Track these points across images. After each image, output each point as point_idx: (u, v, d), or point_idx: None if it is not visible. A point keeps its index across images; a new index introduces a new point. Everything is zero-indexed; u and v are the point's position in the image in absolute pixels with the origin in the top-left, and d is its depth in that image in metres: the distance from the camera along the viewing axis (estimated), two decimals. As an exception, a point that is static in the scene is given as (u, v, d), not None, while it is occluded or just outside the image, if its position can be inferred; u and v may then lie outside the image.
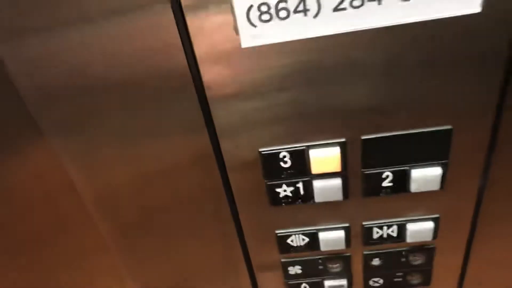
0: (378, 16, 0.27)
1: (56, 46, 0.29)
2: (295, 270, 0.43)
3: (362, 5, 0.26)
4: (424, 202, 0.37)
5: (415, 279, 0.44)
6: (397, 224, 0.39)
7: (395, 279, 0.43)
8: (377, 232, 0.39)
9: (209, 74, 0.30)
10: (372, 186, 0.35)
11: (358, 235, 0.40)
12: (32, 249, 0.48)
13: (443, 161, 0.34)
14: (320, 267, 0.42)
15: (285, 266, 0.42)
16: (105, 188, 0.38)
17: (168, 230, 0.42)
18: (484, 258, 0.42)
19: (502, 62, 0.29)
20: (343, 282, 0.44)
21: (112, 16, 0.28)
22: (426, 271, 0.43)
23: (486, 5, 0.26)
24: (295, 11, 0.26)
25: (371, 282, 0.44)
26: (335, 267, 0.42)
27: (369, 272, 0.43)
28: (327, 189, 0.35)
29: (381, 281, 0.44)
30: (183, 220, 0.40)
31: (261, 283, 0.44)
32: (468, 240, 0.40)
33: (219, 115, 0.31)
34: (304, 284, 0.44)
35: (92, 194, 0.39)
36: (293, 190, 0.36)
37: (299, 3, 0.26)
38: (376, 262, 0.42)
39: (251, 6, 0.26)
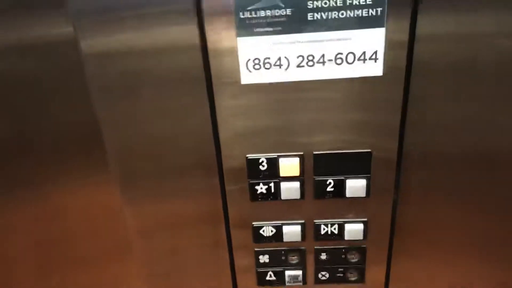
0: (322, 72, 0.46)
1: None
2: (264, 259, 0.58)
3: (313, 65, 0.45)
4: (357, 207, 0.54)
5: (352, 276, 0.59)
6: (338, 224, 0.55)
7: (338, 274, 0.58)
8: (324, 229, 0.55)
9: (220, 98, 0.48)
10: (320, 190, 0.52)
11: (311, 231, 0.55)
12: (66, 272, 0.63)
13: (367, 175, 0.51)
14: (283, 257, 0.57)
15: (257, 254, 0.57)
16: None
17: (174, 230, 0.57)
18: (404, 259, 0.58)
19: (398, 106, 0.47)
20: (299, 272, 0.58)
21: (157, 83, 0.47)
22: (360, 269, 0.58)
23: (386, 72, 0.46)
24: (274, 65, 0.45)
25: (319, 275, 0.59)
26: (294, 258, 0.57)
27: (319, 265, 0.58)
28: (289, 189, 0.52)
29: (327, 275, 0.58)
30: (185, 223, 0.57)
31: (238, 269, 0.59)
32: (390, 242, 0.56)
33: (223, 127, 0.49)
34: (270, 272, 0.58)
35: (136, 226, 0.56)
36: (267, 189, 0.52)
37: (277, 61, 0.45)
38: (323, 256, 0.57)
39: (249, 59, 0.45)
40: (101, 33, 0.46)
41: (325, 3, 0.42)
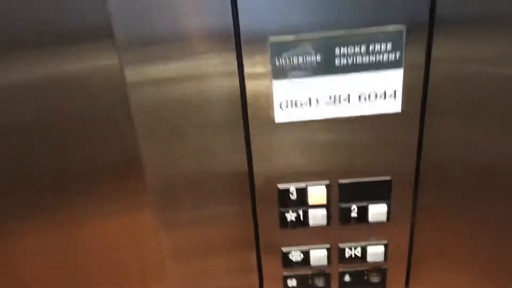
0: (347, 110, 0.51)
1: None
2: (292, 283, 0.62)
3: (340, 102, 0.51)
4: (378, 230, 0.58)
5: (374, 296, 0.63)
6: (361, 247, 0.59)
7: (360, 295, 0.63)
8: (348, 252, 0.59)
9: (255, 133, 0.53)
10: (345, 216, 0.57)
11: (336, 254, 0.60)
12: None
13: (387, 201, 0.56)
14: (310, 281, 0.61)
15: (285, 279, 0.61)
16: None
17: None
18: (423, 280, 0.62)
19: (415, 137, 0.53)
20: (325, 295, 0.62)
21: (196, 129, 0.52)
22: (381, 290, 0.62)
23: (403, 109, 0.51)
24: (305, 104, 0.51)
25: (344, 296, 0.63)
26: (320, 281, 0.62)
27: (342, 287, 0.62)
28: (317, 216, 0.57)
29: (351, 296, 0.63)
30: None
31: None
32: (408, 263, 0.61)
33: (257, 159, 0.54)
34: (297, 295, 0.62)
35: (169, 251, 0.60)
36: (296, 216, 0.57)
37: (307, 100, 0.50)
38: (347, 278, 0.61)
39: (282, 101, 0.51)
40: (145, 63, 0.49)
41: (351, 50, 0.48)
